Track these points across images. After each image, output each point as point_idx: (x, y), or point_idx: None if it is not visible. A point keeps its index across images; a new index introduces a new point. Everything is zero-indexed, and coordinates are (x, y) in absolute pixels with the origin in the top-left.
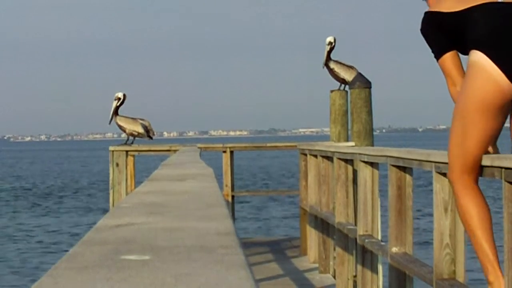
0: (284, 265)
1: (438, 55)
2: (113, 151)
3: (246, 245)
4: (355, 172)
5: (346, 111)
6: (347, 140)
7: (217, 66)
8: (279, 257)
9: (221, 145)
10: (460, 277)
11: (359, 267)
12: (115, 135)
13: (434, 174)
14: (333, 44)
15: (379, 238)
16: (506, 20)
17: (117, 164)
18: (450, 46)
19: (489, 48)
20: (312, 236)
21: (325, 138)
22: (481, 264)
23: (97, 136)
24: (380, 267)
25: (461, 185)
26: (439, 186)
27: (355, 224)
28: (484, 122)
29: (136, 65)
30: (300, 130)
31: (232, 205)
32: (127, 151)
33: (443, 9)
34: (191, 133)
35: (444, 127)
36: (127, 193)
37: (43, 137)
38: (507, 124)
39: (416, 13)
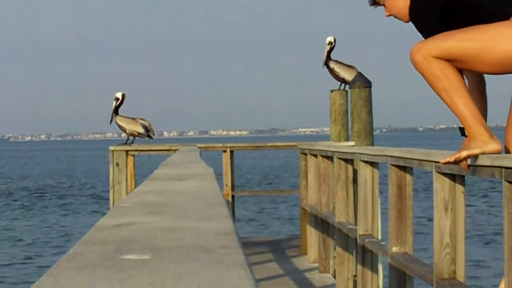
0: (284, 264)
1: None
2: (113, 150)
3: (246, 245)
4: (355, 172)
5: (346, 111)
6: (347, 139)
7: (217, 66)
8: (279, 257)
9: (221, 145)
10: (460, 276)
11: (359, 266)
12: (115, 135)
13: (434, 174)
14: (333, 44)
15: (379, 237)
16: None
17: (117, 164)
18: (444, 28)
19: None
20: (312, 236)
21: (325, 137)
22: (467, 124)
23: (97, 135)
24: (380, 267)
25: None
26: (439, 185)
27: (355, 224)
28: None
29: (136, 65)
30: (300, 129)
31: (232, 205)
32: (127, 151)
33: None
34: (191, 133)
35: (444, 126)
36: (127, 193)
37: (43, 137)
38: (505, 124)
39: None
